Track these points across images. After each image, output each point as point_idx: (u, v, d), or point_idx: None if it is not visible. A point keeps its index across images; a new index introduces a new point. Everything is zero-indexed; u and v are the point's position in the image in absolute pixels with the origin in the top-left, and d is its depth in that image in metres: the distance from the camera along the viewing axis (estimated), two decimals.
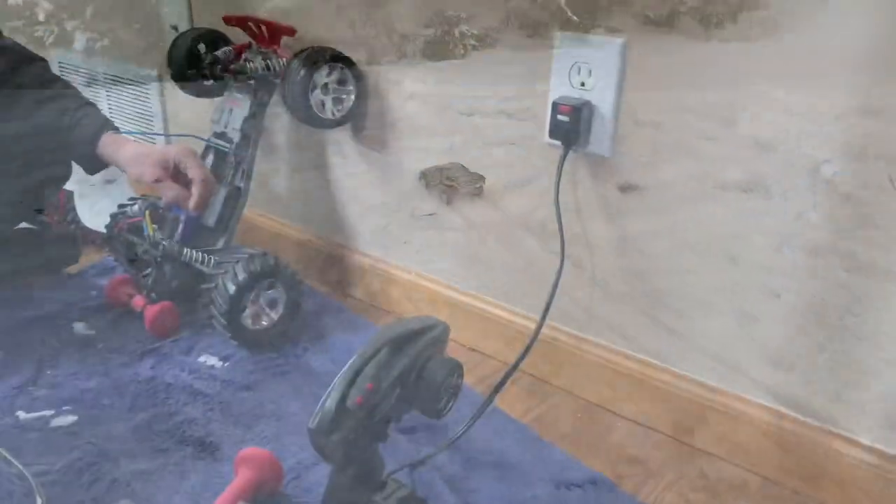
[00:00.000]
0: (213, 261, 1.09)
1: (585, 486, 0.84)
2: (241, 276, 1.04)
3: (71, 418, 0.91)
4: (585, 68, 0.88)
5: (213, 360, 1.05)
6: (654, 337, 0.93)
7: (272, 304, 1.10)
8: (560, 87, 0.90)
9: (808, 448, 0.83)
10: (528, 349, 0.90)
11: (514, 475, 0.85)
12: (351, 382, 0.64)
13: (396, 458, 0.84)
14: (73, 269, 1.31)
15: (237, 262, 1.06)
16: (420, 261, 1.18)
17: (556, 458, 0.89)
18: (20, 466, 0.76)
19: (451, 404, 0.70)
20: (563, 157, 0.90)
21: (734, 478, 0.87)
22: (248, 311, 1.07)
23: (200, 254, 1.10)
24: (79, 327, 1.12)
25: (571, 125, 0.88)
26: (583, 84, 0.88)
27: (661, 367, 0.94)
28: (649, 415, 0.95)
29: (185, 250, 1.11)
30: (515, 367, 0.88)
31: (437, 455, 0.85)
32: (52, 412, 0.92)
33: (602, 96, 0.87)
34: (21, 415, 0.91)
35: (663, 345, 0.93)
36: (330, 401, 0.64)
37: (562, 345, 1.02)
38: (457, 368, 0.70)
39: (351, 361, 0.66)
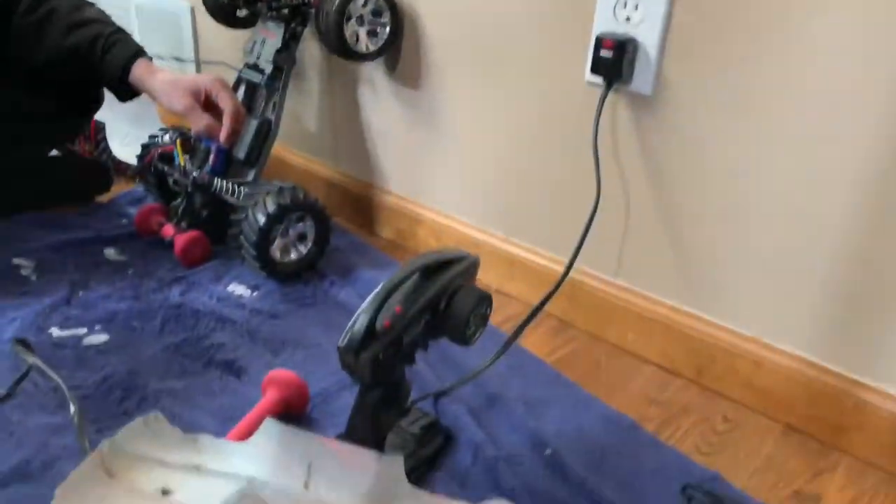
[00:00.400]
0: (242, 192, 1.09)
1: (607, 424, 0.84)
2: (271, 207, 1.04)
3: (103, 337, 0.93)
4: (632, 2, 0.85)
5: (241, 290, 1.06)
6: (685, 282, 0.93)
7: (301, 238, 1.11)
8: (604, 21, 0.88)
9: (834, 398, 0.82)
10: (557, 286, 0.89)
11: (537, 411, 0.85)
12: (380, 306, 0.65)
13: (421, 389, 0.85)
14: (104, 197, 1.32)
15: (267, 193, 1.06)
16: (448, 202, 1.17)
17: (579, 396, 0.89)
18: (55, 376, 0.77)
19: (479, 332, 0.71)
20: (605, 95, 0.89)
21: (757, 424, 0.87)
22: (277, 243, 1.07)
23: (230, 185, 1.11)
24: (110, 253, 1.14)
25: (614, 61, 0.86)
26: (628, 19, 0.86)
27: (688, 313, 0.93)
28: (674, 359, 0.95)
29: (216, 181, 1.12)
30: (543, 304, 0.88)
31: (461, 388, 0.86)
32: (85, 331, 0.93)
33: (647, 32, 0.85)
34: (55, 332, 0.92)
35: (693, 290, 0.92)
36: (359, 322, 0.64)
37: (589, 288, 1.01)
38: (486, 299, 0.70)
39: (381, 285, 0.66)
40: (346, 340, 0.64)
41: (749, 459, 0.81)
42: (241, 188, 1.10)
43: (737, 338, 0.89)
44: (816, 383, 0.83)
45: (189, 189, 1.15)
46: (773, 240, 0.84)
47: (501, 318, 1.05)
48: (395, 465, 0.67)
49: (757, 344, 0.88)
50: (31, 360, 0.81)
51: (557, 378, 0.93)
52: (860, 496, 0.77)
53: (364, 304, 0.65)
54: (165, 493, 0.64)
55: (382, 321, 0.64)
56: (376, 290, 0.65)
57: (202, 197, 1.15)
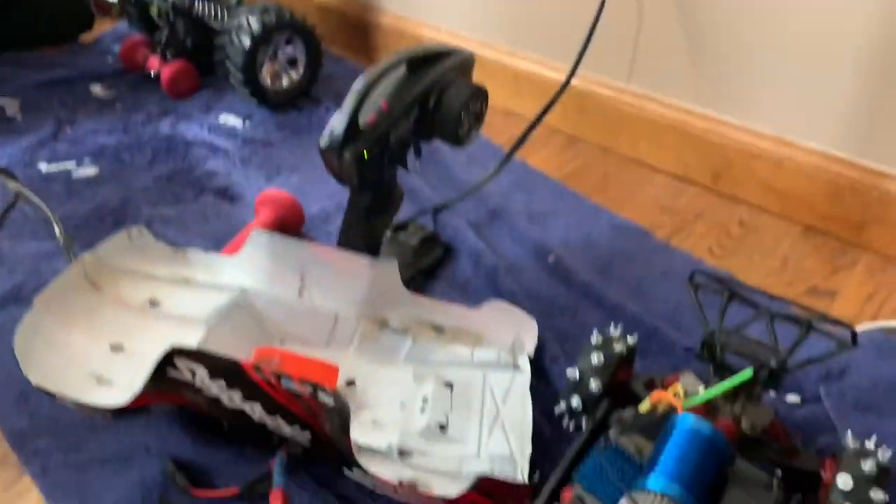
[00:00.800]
0: (225, 15, 1.02)
1: (616, 232, 0.81)
2: (256, 27, 0.97)
3: (92, 170, 0.90)
4: None
5: (233, 120, 1.01)
6: (702, 82, 0.86)
7: (292, 63, 1.04)
8: None
9: (858, 192, 0.77)
10: (561, 90, 0.83)
11: (543, 223, 0.82)
12: (362, 100, 0.60)
13: (420, 206, 0.82)
14: (88, 37, 1.26)
15: (250, 14, 0.99)
16: (449, 16, 1.09)
17: (587, 208, 0.85)
18: (37, 199, 0.75)
19: (473, 131, 0.66)
20: None
21: (774, 227, 0.83)
22: (265, 69, 1.01)
23: (212, 7, 1.03)
24: (96, 89, 1.09)
25: None
26: None
27: (705, 115, 0.87)
28: (689, 166, 0.89)
29: (196, 4, 1.04)
30: (548, 108, 0.82)
31: (462, 204, 0.82)
32: (74, 165, 0.91)
33: None
34: (43, 167, 0.90)
35: (710, 90, 0.85)
36: (340, 118, 0.59)
37: (600, 97, 0.95)
38: (480, 93, 0.65)
39: (361, 78, 0.61)
40: (326, 139, 0.59)
41: (764, 260, 0.78)
42: (224, 10, 1.02)
43: (756, 137, 0.83)
44: (840, 179, 0.78)
45: (171, 16, 1.07)
46: (797, 27, 0.75)
47: (507, 138, 0.99)
48: (390, 269, 0.64)
49: (777, 142, 0.82)
50: (15, 187, 0.78)
51: (564, 192, 0.88)
52: (878, 291, 0.74)
53: (345, 99, 0.60)
54: (154, 304, 0.63)
55: (366, 117, 0.59)
56: (356, 84, 0.60)
57: (185, 24, 1.08)
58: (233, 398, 0.49)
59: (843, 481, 0.44)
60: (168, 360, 0.48)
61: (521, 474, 0.51)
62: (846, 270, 0.76)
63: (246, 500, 0.51)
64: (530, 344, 0.63)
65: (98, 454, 0.56)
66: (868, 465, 0.45)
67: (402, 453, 0.53)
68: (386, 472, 0.50)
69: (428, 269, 0.74)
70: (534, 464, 0.52)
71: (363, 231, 0.65)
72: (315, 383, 0.47)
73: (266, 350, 0.60)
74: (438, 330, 0.65)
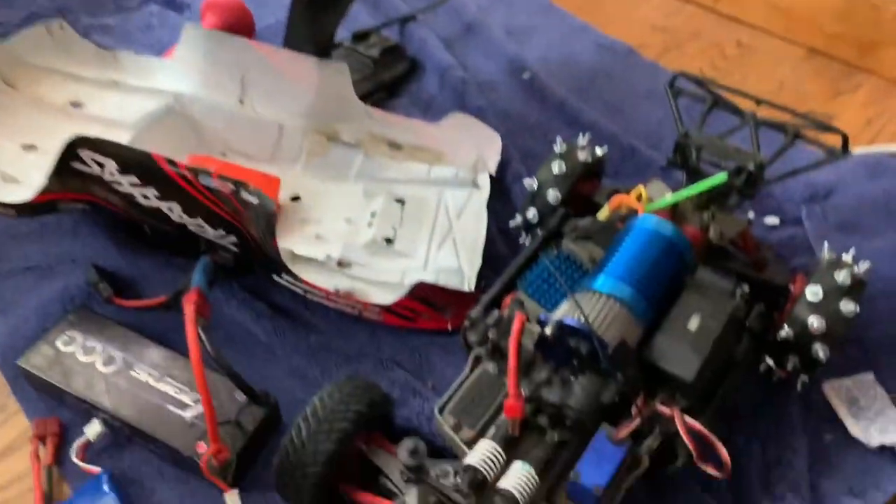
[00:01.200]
0: None
1: (601, 51, 0.73)
2: None
3: None
4: None
5: None
6: None
7: None
8: None
9: (871, 8, 0.69)
10: None
11: (522, 38, 0.75)
12: None
13: (385, 17, 0.74)
14: None
15: None
16: None
17: (573, 24, 0.77)
18: None
19: None
20: None
21: (774, 48, 0.75)
22: None
23: None
24: None
25: None
26: None
27: None
28: None
29: None
30: None
31: (434, 17, 0.75)
32: None
33: None
34: None
35: None
36: None
37: None
38: None
39: None
40: None
41: (760, 83, 0.71)
42: None
43: None
44: None
45: None
46: None
47: None
48: (340, 73, 0.58)
49: None
50: None
51: (550, 7, 0.80)
52: (878, 116, 0.67)
53: None
54: (76, 105, 0.57)
55: None
56: None
57: None
58: (147, 196, 0.44)
59: (813, 292, 0.40)
60: (73, 152, 0.43)
61: (467, 284, 0.47)
62: (847, 94, 0.70)
63: (172, 309, 0.48)
64: (493, 161, 0.58)
65: (21, 263, 0.53)
66: (842, 276, 0.41)
67: (342, 264, 0.49)
68: (321, 280, 0.46)
69: (389, 83, 0.67)
70: (482, 277, 0.48)
71: (310, 28, 0.58)
72: (236, 180, 0.42)
73: (200, 158, 0.55)
74: (395, 146, 0.60)
